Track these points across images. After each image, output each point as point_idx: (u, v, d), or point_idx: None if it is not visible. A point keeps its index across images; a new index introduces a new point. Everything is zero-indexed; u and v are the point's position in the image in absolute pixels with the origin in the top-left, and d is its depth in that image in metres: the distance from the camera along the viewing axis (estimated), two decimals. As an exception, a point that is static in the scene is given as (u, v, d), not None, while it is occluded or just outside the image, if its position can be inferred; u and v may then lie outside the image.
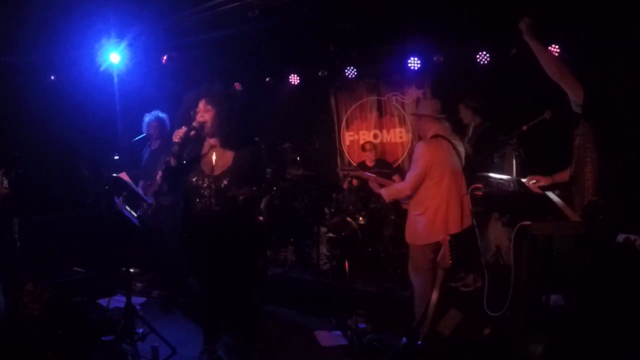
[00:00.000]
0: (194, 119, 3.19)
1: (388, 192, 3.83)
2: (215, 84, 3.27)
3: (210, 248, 3.23)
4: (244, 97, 6.66)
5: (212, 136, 3.23)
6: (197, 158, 3.24)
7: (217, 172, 3.18)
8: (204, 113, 3.18)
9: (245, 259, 3.31)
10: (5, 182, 3.53)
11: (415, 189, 3.67)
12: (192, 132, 3.15)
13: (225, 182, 3.12)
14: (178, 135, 3.10)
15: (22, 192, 3.76)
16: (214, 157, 3.21)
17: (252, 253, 3.45)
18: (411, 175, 3.68)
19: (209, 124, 3.17)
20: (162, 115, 4.99)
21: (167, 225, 4.91)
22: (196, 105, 3.21)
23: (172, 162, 3.16)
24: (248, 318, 3.47)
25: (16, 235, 4.78)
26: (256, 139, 3.75)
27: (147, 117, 4.99)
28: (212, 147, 3.24)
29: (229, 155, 3.20)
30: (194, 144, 3.25)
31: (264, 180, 3.44)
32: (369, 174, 4.20)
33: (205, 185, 3.15)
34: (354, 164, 6.84)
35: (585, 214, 2.77)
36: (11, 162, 4.08)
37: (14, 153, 5.00)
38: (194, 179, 3.17)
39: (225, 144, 3.21)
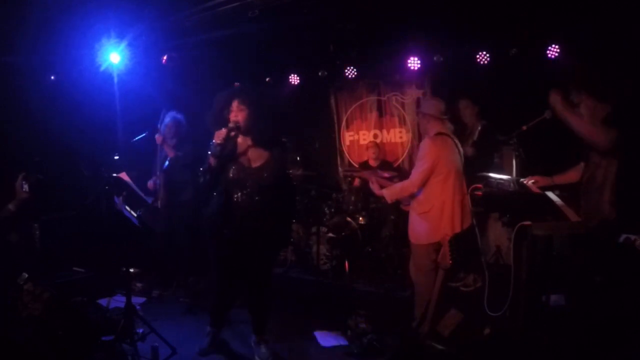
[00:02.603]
0: (226, 119, 3.27)
1: (390, 192, 3.77)
2: (247, 84, 3.38)
3: (246, 238, 3.28)
4: (274, 96, 6.66)
5: (246, 135, 3.33)
6: (234, 156, 3.32)
7: (255, 165, 3.29)
8: (238, 112, 3.26)
9: (276, 248, 3.53)
10: (26, 187, 3.56)
11: (422, 186, 3.62)
12: (232, 133, 3.24)
13: (265, 174, 3.24)
14: (220, 136, 3.18)
15: (39, 196, 3.80)
16: (250, 154, 3.32)
17: (282, 243, 3.63)
18: (417, 172, 3.62)
19: (242, 124, 3.26)
20: (178, 115, 4.99)
21: (181, 221, 4.90)
22: (229, 105, 3.29)
23: (213, 162, 3.23)
24: (262, 307, 3.59)
25: (37, 239, 4.84)
26: (284, 139, 3.80)
27: (167, 118, 4.96)
28: (248, 146, 3.34)
29: (265, 154, 3.31)
30: (231, 143, 3.33)
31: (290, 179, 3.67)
32: (370, 175, 4.19)
33: (245, 177, 3.25)
34: (355, 164, 6.84)
35: (600, 225, 2.77)
36: (32, 167, 4.11)
37: (35, 158, 5.01)
38: (233, 173, 3.26)
39: (259, 142, 3.32)
